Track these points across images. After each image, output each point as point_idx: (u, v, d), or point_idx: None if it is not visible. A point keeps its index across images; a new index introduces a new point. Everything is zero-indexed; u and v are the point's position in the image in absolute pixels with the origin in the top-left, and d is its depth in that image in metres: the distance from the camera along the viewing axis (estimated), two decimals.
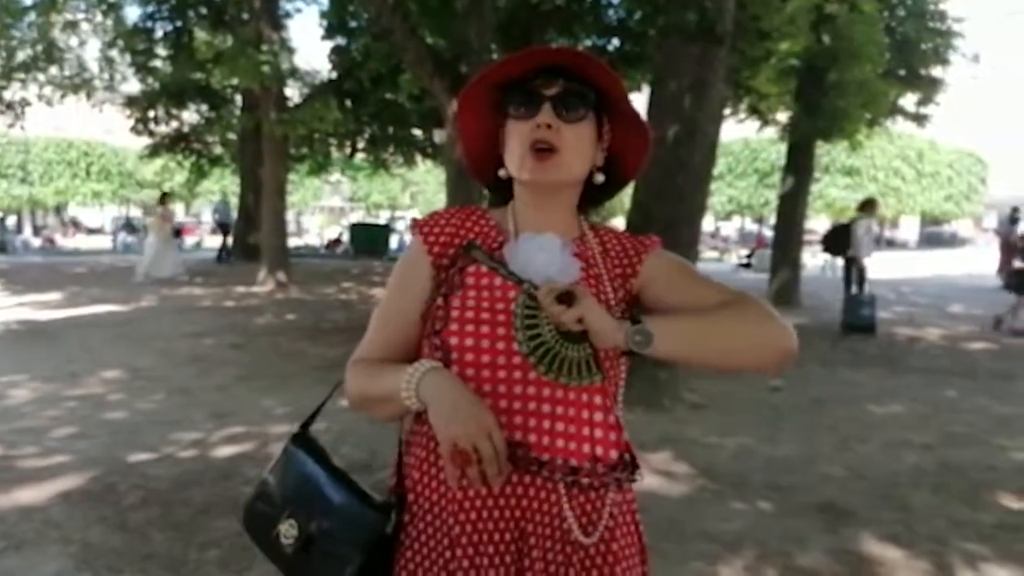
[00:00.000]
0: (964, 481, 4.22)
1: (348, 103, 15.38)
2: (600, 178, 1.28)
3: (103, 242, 29.87)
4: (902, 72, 13.71)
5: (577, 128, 1.20)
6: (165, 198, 15.12)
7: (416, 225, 1.28)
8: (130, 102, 17.68)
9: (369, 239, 23.73)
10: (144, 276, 13.66)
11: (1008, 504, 3.88)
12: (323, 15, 14.54)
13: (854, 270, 10.57)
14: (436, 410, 1.10)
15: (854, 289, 10.47)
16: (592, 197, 1.32)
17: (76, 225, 37.38)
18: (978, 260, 20.51)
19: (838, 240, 10.84)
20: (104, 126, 30.71)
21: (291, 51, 13.07)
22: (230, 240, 18.88)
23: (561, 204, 1.28)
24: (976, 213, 41.41)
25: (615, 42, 12.97)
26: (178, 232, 18.24)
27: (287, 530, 1.23)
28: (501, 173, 1.28)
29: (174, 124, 18.39)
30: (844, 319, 9.88)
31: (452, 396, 1.10)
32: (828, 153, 29.51)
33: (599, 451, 1.16)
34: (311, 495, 1.24)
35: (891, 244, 42.17)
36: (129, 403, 5.47)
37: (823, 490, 4.03)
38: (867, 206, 10.92)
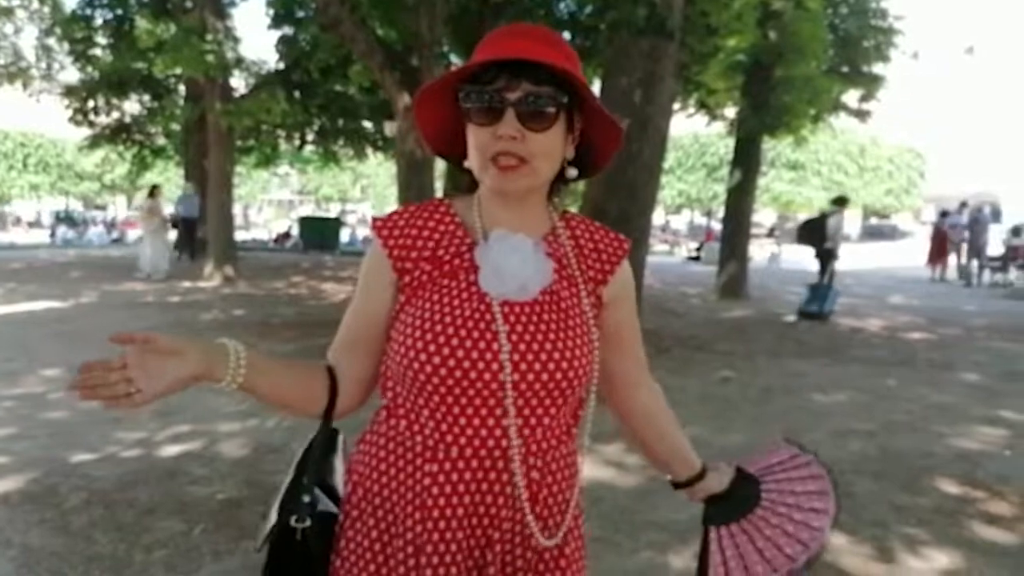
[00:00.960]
0: (904, 467, 4.35)
1: (296, 94, 15.12)
2: (573, 173, 1.22)
3: (41, 236, 28.90)
4: (845, 69, 14.05)
5: (545, 135, 1.11)
6: (155, 191, 14.60)
7: (375, 226, 1.21)
8: (69, 92, 17.15)
9: (319, 233, 23.41)
10: (148, 274, 13.28)
11: (946, 489, 4.01)
12: (269, 4, 14.24)
13: (828, 261, 11.12)
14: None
15: (825, 279, 11.01)
16: (561, 180, 1.24)
17: (19, 220, 36.07)
18: (917, 253, 21.13)
19: (813, 233, 11.40)
20: (41, 116, 29.71)
21: (236, 40, 12.82)
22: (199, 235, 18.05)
23: (531, 202, 1.21)
24: (915, 207, 42.67)
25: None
26: (175, 224, 17.34)
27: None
28: (466, 164, 1.20)
29: (115, 114, 17.88)
30: (801, 306, 10.37)
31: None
32: (774, 148, 30.14)
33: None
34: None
35: None
36: (70, 402, 5.30)
37: None
38: (840, 202, 11.72)
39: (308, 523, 1.14)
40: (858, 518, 3.58)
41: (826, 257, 11.20)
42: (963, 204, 18.05)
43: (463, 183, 1.24)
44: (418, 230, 1.19)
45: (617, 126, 1.19)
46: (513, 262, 1.14)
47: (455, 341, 1.10)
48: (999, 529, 3.49)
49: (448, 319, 1.11)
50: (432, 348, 1.10)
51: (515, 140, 1.10)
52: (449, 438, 1.12)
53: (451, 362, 1.09)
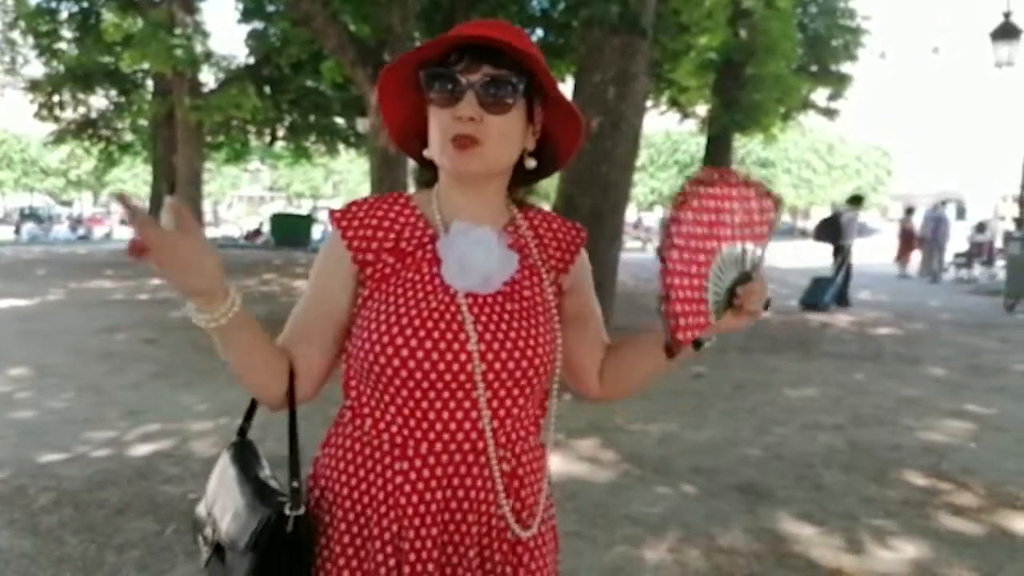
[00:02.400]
0: (872, 460, 4.43)
1: (267, 89, 15.02)
2: (532, 163, 1.22)
3: (5, 232, 28.37)
4: (814, 68, 14.25)
5: (504, 118, 1.12)
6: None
7: (333, 217, 1.19)
8: (33, 86, 16.86)
9: (291, 230, 23.16)
10: None
11: (913, 481, 4.09)
12: None
13: (840, 257, 11.59)
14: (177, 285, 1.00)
15: (836, 274, 11.55)
16: (523, 177, 1.25)
17: None
18: (884, 250, 21.47)
19: (829, 230, 12.01)
20: (5, 111, 29.12)
21: (205, 35, 12.70)
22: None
23: (490, 191, 1.21)
24: (882, 204, 43.36)
25: (539, 32, 13.04)
26: None
27: (203, 539, 1.19)
28: (426, 153, 1.20)
29: (81, 109, 17.63)
30: (804, 298, 11.25)
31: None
32: (744, 145, 30.46)
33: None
34: (223, 501, 1.18)
35: (803, 234, 43.74)
36: (38, 402, 5.22)
37: (743, 472, 4.16)
38: (855, 201, 12.37)
39: (302, 511, 1.09)
40: (827, 510, 3.64)
41: (840, 253, 11.69)
42: (942, 203, 18.39)
43: (432, 176, 1.24)
44: (378, 220, 1.18)
45: (577, 116, 1.20)
46: (476, 254, 1.13)
47: (422, 333, 1.09)
48: (965, 520, 3.57)
49: (414, 311, 1.10)
50: (399, 341, 1.08)
51: (473, 122, 1.10)
52: (419, 434, 1.11)
53: (419, 354, 1.08)
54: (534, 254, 1.23)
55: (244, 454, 1.26)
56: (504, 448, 1.15)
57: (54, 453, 4.15)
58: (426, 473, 1.11)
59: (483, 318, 1.12)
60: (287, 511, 1.09)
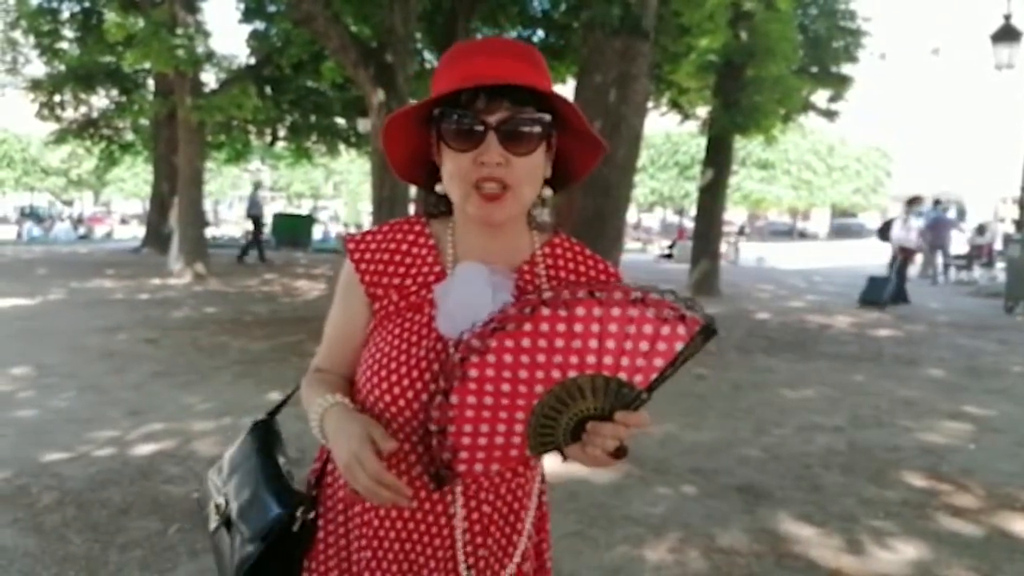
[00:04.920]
0: (871, 461, 4.44)
1: (268, 90, 15.03)
2: (548, 192, 1.16)
3: (6, 232, 28.36)
4: (814, 69, 14.25)
5: (529, 158, 1.06)
6: None
7: (347, 248, 1.19)
8: (34, 86, 16.86)
9: (292, 229, 23.22)
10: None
11: (912, 482, 4.11)
12: None
13: (899, 256, 12.34)
14: (335, 454, 1.07)
15: (891, 273, 12.29)
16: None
17: None
18: (883, 251, 21.49)
19: (887, 232, 12.89)
20: (6, 111, 29.13)
21: (207, 34, 12.66)
22: (265, 232, 18.07)
23: (509, 227, 1.15)
24: (882, 206, 43.36)
25: (539, 34, 13.04)
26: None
27: (216, 507, 1.24)
28: (438, 189, 1.14)
29: (82, 109, 17.62)
30: (863, 295, 11.95)
31: (344, 441, 1.04)
32: (744, 147, 30.46)
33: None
34: (242, 480, 1.24)
35: (803, 235, 43.78)
36: (39, 401, 5.24)
37: (742, 472, 4.18)
38: (913, 202, 13.00)
39: (312, 515, 1.17)
40: (827, 511, 3.66)
41: (898, 252, 12.39)
42: (936, 202, 18.35)
43: (431, 203, 1.20)
44: (390, 254, 1.17)
45: (602, 146, 1.14)
46: (471, 305, 1.06)
47: (406, 382, 1.08)
48: (964, 521, 3.59)
49: (403, 357, 1.10)
50: (385, 386, 1.09)
51: (500, 166, 1.04)
52: (394, 472, 1.11)
53: (401, 402, 1.08)
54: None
55: (268, 436, 1.30)
56: (471, 507, 1.14)
57: (57, 452, 4.17)
58: (388, 523, 1.13)
59: None
60: (298, 513, 1.15)
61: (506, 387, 1.00)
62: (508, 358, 0.99)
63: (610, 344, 0.98)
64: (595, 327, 0.98)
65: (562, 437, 1.01)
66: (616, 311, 0.98)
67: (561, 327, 0.98)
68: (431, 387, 1.05)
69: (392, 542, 1.13)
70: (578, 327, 0.98)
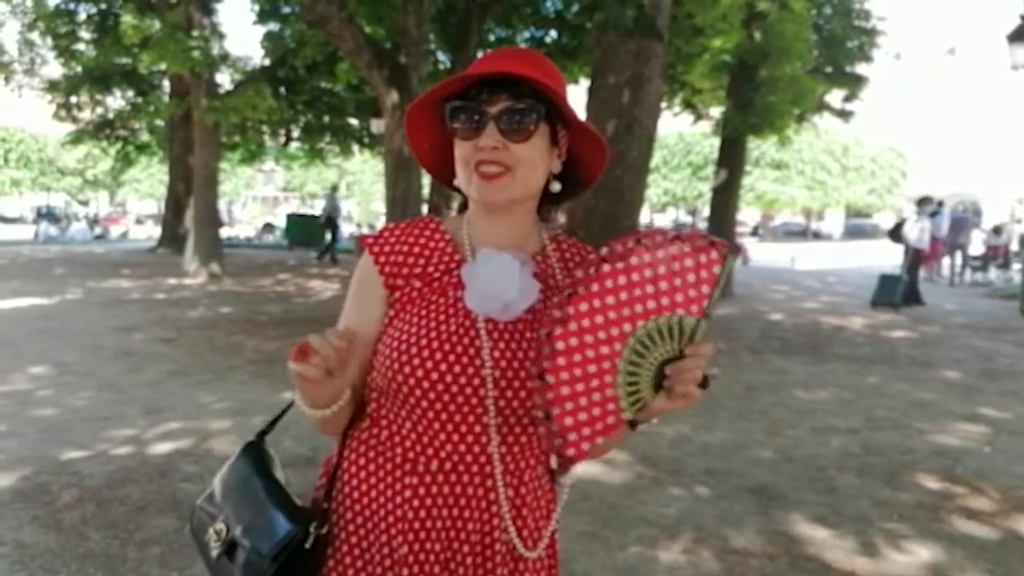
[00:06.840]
0: (886, 463, 4.43)
1: (282, 91, 15.12)
2: (557, 187, 1.24)
3: (23, 232, 28.64)
4: (828, 69, 14.20)
5: (527, 145, 1.15)
6: None
7: (366, 243, 1.24)
8: (51, 87, 17.03)
9: (305, 230, 23.33)
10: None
11: (926, 484, 4.10)
12: None
13: (910, 256, 12.33)
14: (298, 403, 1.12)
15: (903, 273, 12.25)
16: (551, 198, 1.28)
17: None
18: (898, 252, 21.36)
19: (899, 233, 12.77)
20: (24, 111, 29.40)
21: (222, 36, 12.77)
22: (338, 234, 18.38)
23: (518, 217, 1.23)
24: (897, 206, 43.09)
25: (552, 34, 13.07)
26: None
27: (216, 533, 1.21)
28: (456, 183, 1.23)
29: (98, 110, 17.79)
30: (874, 297, 11.95)
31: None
32: (758, 147, 30.35)
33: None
34: (241, 501, 1.22)
35: (817, 236, 43.56)
36: (58, 400, 5.30)
37: (755, 474, 4.18)
38: (923, 202, 13.00)
39: (324, 530, 1.16)
40: (840, 513, 3.66)
41: (909, 251, 12.34)
42: (939, 203, 18.25)
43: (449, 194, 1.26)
44: (408, 247, 1.22)
45: (599, 139, 1.22)
46: (499, 282, 1.14)
47: (439, 355, 1.11)
48: (979, 524, 3.57)
49: (433, 333, 1.13)
50: (416, 362, 1.12)
51: (497, 150, 1.14)
52: (430, 451, 1.15)
53: (434, 375, 1.11)
54: (560, 285, 1.22)
55: (262, 458, 1.28)
56: (512, 475, 1.18)
57: (75, 451, 4.22)
58: (434, 490, 1.15)
59: (501, 344, 1.14)
60: (311, 529, 1.14)
61: (590, 352, 1.04)
62: (586, 322, 1.05)
63: (663, 285, 1.04)
64: (648, 272, 1.04)
65: (647, 390, 1.05)
66: (661, 252, 1.05)
67: (622, 279, 1.05)
68: (458, 358, 1.11)
69: (435, 520, 1.15)
70: (635, 276, 1.05)
